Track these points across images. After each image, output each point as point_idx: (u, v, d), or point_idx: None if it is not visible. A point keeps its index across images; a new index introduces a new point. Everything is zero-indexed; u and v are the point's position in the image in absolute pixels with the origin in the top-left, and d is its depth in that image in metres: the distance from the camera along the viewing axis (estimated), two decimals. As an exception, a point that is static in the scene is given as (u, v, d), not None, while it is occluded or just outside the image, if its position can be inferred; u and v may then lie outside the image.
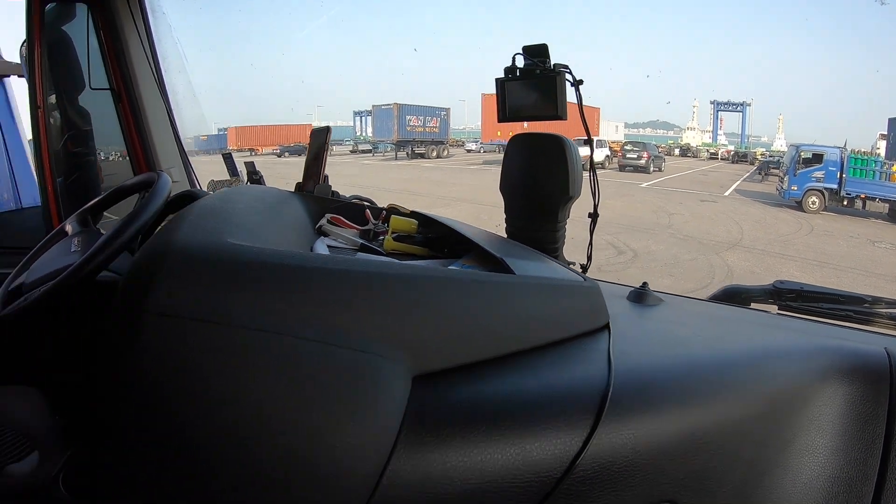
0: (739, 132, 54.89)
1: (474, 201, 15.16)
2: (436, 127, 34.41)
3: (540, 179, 1.37)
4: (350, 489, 0.69)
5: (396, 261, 0.99)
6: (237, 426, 0.67)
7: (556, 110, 1.34)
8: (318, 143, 1.75)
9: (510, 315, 0.87)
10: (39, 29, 2.77)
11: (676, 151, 42.61)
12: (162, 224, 2.38)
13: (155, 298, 0.65)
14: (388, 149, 32.36)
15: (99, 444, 0.71)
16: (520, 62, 1.40)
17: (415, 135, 33.68)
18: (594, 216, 1.43)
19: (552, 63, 1.35)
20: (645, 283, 1.31)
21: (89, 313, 1.96)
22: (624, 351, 0.89)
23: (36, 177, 2.91)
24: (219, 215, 0.92)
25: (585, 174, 1.43)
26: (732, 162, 36.52)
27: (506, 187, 1.42)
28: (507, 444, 0.73)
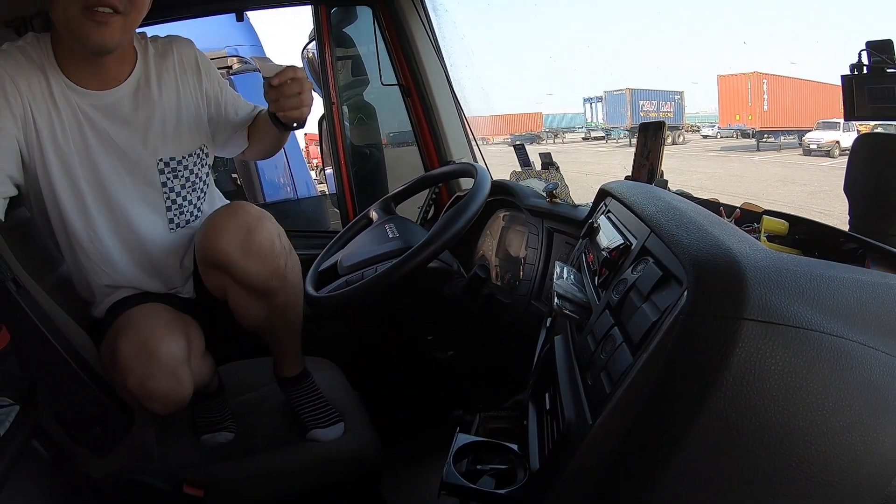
0: None
1: (715, 191, 14.48)
2: (670, 111, 33.09)
3: (889, 181, 1.30)
4: (865, 491, 0.76)
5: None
6: (814, 426, 0.72)
7: None
8: (650, 136, 1.75)
9: None
10: (328, 31, 2.99)
11: None
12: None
13: (753, 304, 0.70)
14: (622, 135, 31.63)
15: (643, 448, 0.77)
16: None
17: (648, 120, 31.85)
18: None
19: None
20: None
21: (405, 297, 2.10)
22: None
23: (333, 170, 3.17)
24: (703, 215, 0.97)
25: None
26: None
27: (852, 186, 1.36)
28: None
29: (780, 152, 25.08)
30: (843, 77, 1.39)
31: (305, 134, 11.61)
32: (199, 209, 1.70)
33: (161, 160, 1.61)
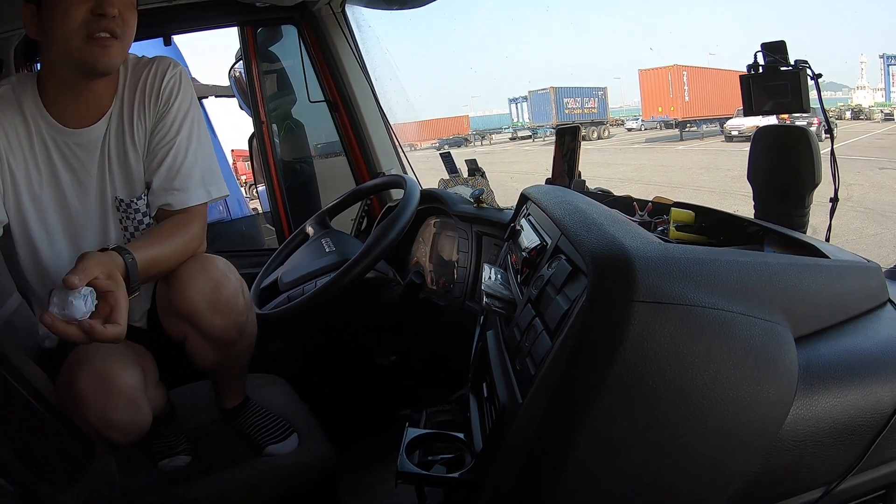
0: (917, 86, 47.72)
1: (642, 181, 14.85)
2: (594, 107, 33.70)
3: (789, 168, 1.44)
4: (756, 435, 0.89)
5: (769, 253, 1.16)
6: (705, 384, 0.85)
7: (801, 105, 1.43)
8: (567, 140, 1.87)
9: (832, 292, 1.04)
10: (254, 51, 3.03)
11: (847, 115, 36.90)
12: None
13: (641, 289, 0.82)
14: (548, 133, 31.84)
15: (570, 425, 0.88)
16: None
17: (574, 117, 32.48)
18: (835, 201, 1.50)
19: (792, 59, 1.43)
20: None
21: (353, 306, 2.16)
22: None
23: (266, 187, 3.21)
24: (604, 215, 1.07)
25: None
26: (911, 121, 31.78)
27: (755, 176, 1.50)
28: (855, 392, 0.94)
29: (703, 140, 25.65)
30: (742, 77, 1.51)
31: (232, 150, 11.41)
32: None
33: (117, 197, 1.62)
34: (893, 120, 31.89)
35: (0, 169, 1.51)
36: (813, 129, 1.49)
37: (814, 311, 0.99)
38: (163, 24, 2.85)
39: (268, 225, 4.94)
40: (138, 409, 1.45)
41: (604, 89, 34.65)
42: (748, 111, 1.52)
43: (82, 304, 1.19)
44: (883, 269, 1.32)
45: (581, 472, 0.89)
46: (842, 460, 0.95)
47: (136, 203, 1.63)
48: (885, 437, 0.94)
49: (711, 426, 0.86)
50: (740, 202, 1.45)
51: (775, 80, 1.45)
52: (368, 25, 3.00)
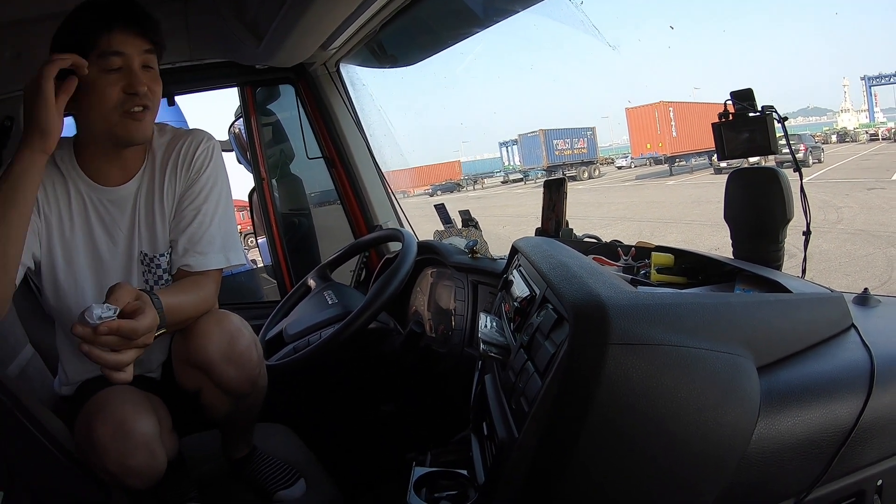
0: (899, 106, 47.47)
1: (634, 219, 14.97)
2: (584, 147, 33.89)
3: (762, 207, 1.50)
4: (725, 453, 0.98)
5: (736, 292, 1.25)
6: (673, 412, 0.95)
7: (769, 147, 1.50)
8: (553, 191, 1.95)
9: (793, 323, 1.13)
10: (254, 110, 3.13)
11: (833, 138, 36.16)
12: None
13: (615, 333, 0.92)
14: (539, 175, 31.94)
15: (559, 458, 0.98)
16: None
17: (564, 158, 33.12)
18: (807, 234, 1.55)
19: (759, 105, 1.50)
20: (866, 289, 1.47)
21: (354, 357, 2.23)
22: (873, 341, 1.14)
23: (267, 240, 3.28)
24: (584, 267, 1.18)
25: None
26: (895, 141, 31.32)
27: (731, 216, 1.55)
28: (815, 410, 1.03)
29: (692, 174, 25.74)
30: (714, 125, 1.58)
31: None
32: None
33: (142, 251, 1.71)
34: (878, 140, 32.05)
35: (37, 215, 1.59)
36: (800, 154, 1.53)
37: (775, 342, 1.09)
38: (166, 85, 2.88)
39: (266, 276, 5.00)
40: (154, 456, 1.50)
41: (592, 129, 34.77)
42: (721, 156, 1.58)
43: (101, 311, 1.24)
44: (854, 295, 1.42)
45: (571, 497, 0.99)
46: (809, 472, 1.03)
47: (158, 259, 1.70)
48: (848, 449, 1.03)
49: (683, 448, 0.96)
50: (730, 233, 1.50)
51: (745, 125, 1.52)
52: (363, 84, 3.12)
